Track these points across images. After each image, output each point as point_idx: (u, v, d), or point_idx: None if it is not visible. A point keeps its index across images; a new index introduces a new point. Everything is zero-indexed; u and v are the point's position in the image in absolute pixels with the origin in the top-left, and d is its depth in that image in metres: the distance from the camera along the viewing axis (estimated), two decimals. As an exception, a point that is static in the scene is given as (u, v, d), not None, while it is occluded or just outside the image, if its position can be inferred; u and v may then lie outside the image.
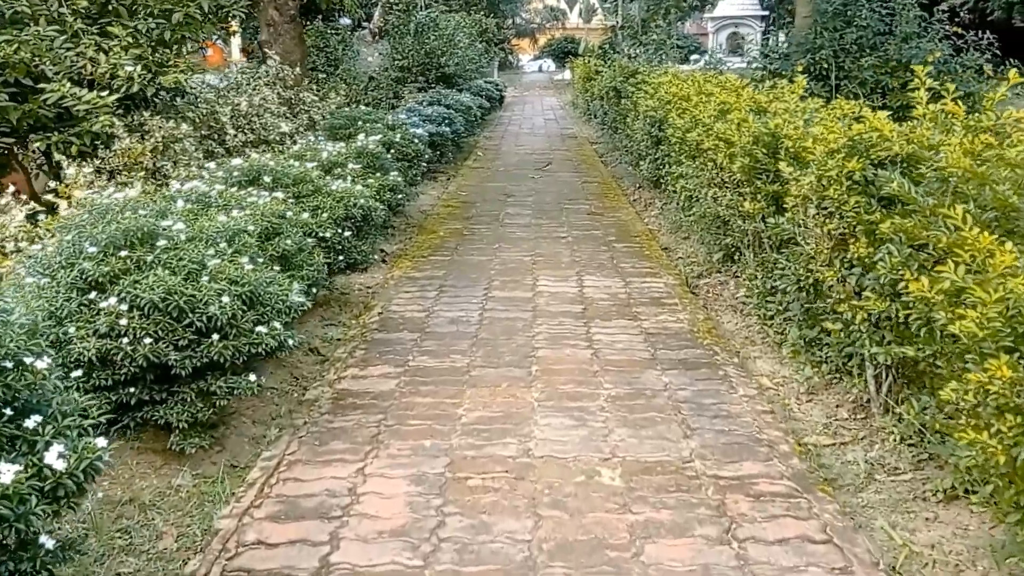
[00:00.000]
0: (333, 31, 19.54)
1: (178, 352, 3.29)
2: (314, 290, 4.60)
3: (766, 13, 29.75)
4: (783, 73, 10.79)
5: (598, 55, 16.59)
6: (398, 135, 8.31)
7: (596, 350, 4.69)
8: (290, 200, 5.16)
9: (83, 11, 6.57)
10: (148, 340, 3.21)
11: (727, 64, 17.81)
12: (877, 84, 12.05)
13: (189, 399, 3.40)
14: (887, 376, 3.84)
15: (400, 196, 7.25)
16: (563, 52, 43.96)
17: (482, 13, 29.53)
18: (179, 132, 6.44)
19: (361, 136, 7.40)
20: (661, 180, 9.23)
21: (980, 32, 12.61)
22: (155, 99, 6.70)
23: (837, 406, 4.10)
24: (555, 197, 9.81)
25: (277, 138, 7.77)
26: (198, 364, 3.31)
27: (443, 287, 6.11)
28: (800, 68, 11.77)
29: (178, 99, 7.21)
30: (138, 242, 3.50)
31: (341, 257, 5.36)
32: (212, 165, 5.49)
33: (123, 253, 3.39)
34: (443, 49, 18.37)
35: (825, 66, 12.69)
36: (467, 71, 20.41)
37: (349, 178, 6.24)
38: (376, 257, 6.09)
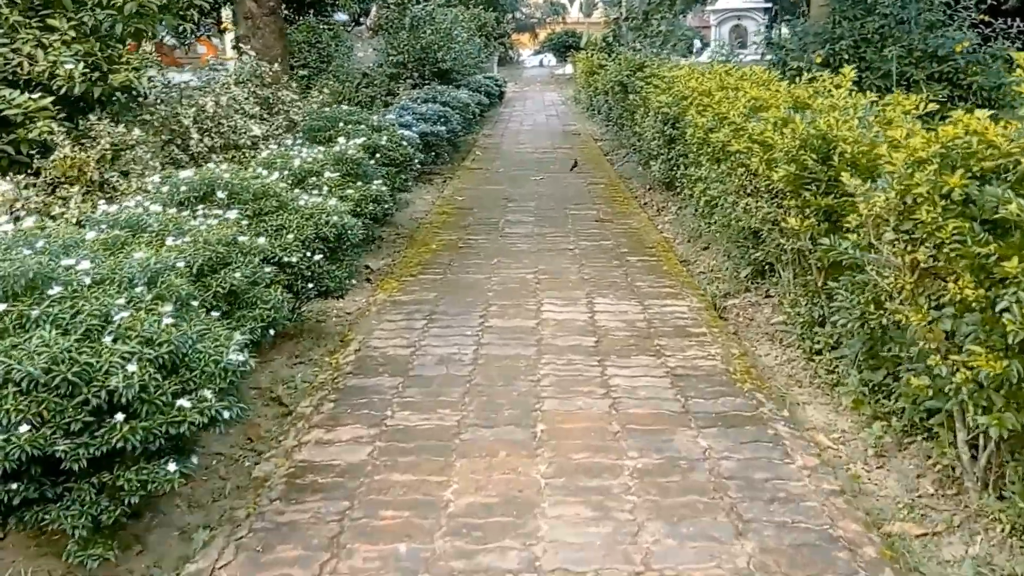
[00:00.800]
0: (326, 26, 18.77)
1: (69, 439, 2.49)
2: (272, 332, 3.80)
3: (769, 6, 28.87)
4: (800, 67, 10.00)
5: (601, 48, 15.78)
6: (384, 137, 7.49)
7: (615, 400, 3.88)
8: (248, 220, 4.35)
9: (20, 2, 5.76)
10: (25, 428, 2.41)
11: (738, 56, 17.02)
12: (902, 76, 11.24)
13: (89, 497, 2.60)
14: (988, 444, 3.03)
15: (386, 206, 6.43)
16: (564, 46, 43.07)
17: (481, 7, 28.66)
18: (131, 138, 5.63)
19: (342, 139, 6.59)
20: (675, 182, 8.42)
21: (1010, 19, 11.78)
22: (105, 101, 5.89)
23: (918, 476, 3.29)
24: (559, 201, 9.00)
25: (249, 142, 6.97)
26: (97, 453, 2.51)
27: (433, 314, 5.30)
28: (818, 60, 10.95)
29: (133, 101, 6.40)
30: (22, 291, 2.69)
31: (311, 285, 4.56)
32: (157, 178, 4.67)
33: None
34: (440, 44, 17.54)
35: (845, 57, 11.88)
36: (465, 67, 19.59)
37: (325, 188, 5.43)
38: (354, 281, 5.27)
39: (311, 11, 18.78)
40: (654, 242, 7.30)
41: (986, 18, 11.84)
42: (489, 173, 11.16)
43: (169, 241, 3.47)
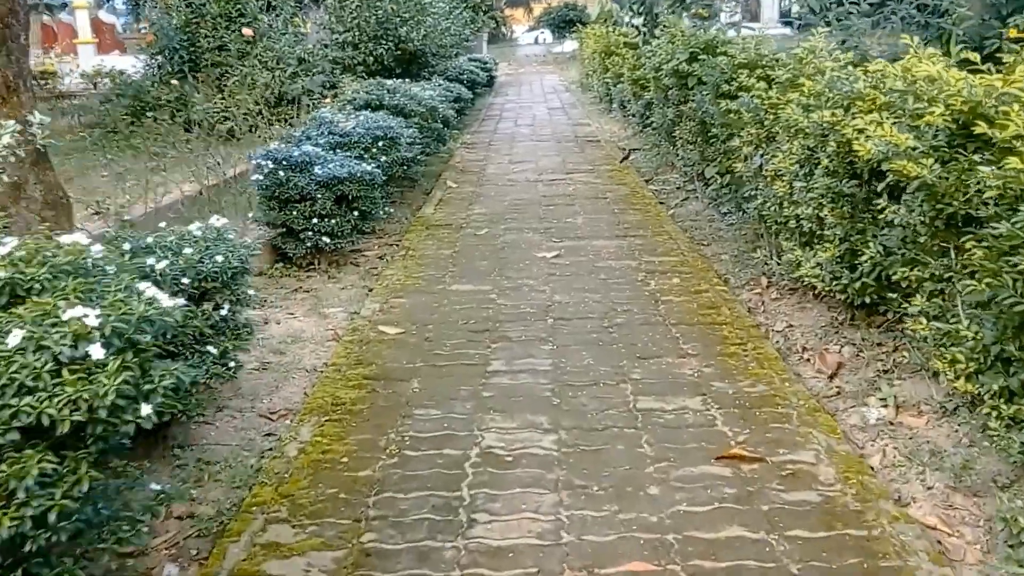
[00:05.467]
0: (255, -6, 13.99)
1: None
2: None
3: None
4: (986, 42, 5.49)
5: (637, 13, 10.99)
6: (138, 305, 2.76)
7: None
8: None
9: None
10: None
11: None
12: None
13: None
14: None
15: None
16: (563, 21, 38.10)
17: (466, -26, 23.71)
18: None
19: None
20: (892, 301, 3.80)
21: None
22: None
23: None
24: (602, 335, 4.33)
25: None
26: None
27: None
28: (1014, 32, 6.42)
29: None
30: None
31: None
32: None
33: None
34: (405, 17, 12.75)
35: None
36: (442, 47, 14.79)
37: None
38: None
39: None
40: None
41: None
42: (460, 241, 6.37)
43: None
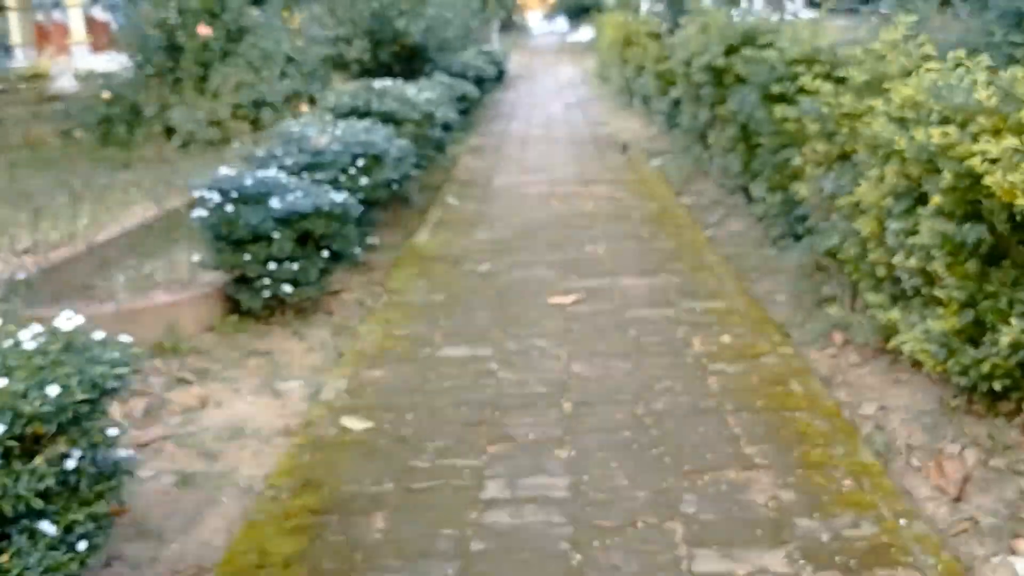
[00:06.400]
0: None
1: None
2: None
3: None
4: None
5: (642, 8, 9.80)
6: None
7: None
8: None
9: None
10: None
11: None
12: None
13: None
14: None
15: None
16: (578, 8, 36.80)
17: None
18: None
19: None
20: None
21: None
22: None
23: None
24: (637, 433, 3.23)
25: None
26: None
27: None
28: None
29: None
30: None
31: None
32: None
33: None
34: (402, 8, 11.66)
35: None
36: (447, 41, 13.69)
37: None
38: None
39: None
40: None
41: None
42: (457, 280, 5.23)
43: None
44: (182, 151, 9.90)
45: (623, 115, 12.55)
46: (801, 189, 4.10)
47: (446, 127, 8.33)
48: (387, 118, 7.07)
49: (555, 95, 16.00)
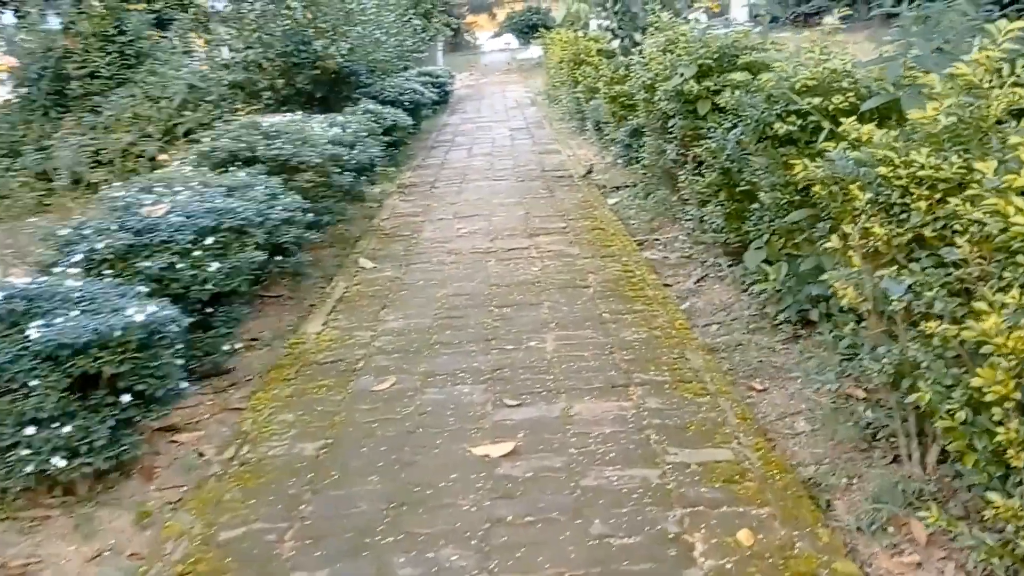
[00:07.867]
0: (148, 10, 11.50)
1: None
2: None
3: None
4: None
5: (612, 13, 8.41)
6: None
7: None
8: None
9: None
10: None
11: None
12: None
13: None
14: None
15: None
16: (527, 26, 35.59)
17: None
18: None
19: None
20: None
21: None
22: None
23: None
24: None
25: None
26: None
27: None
28: None
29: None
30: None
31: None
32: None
33: None
34: (321, 27, 10.19)
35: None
36: (381, 63, 12.23)
37: None
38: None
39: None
40: None
41: None
42: (343, 411, 3.72)
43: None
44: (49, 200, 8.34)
45: (575, 141, 11.20)
46: (845, 293, 2.68)
47: (362, 170, 6.86)
48: (280, 165, 5.61)
49: (502, 118, 14.61)
